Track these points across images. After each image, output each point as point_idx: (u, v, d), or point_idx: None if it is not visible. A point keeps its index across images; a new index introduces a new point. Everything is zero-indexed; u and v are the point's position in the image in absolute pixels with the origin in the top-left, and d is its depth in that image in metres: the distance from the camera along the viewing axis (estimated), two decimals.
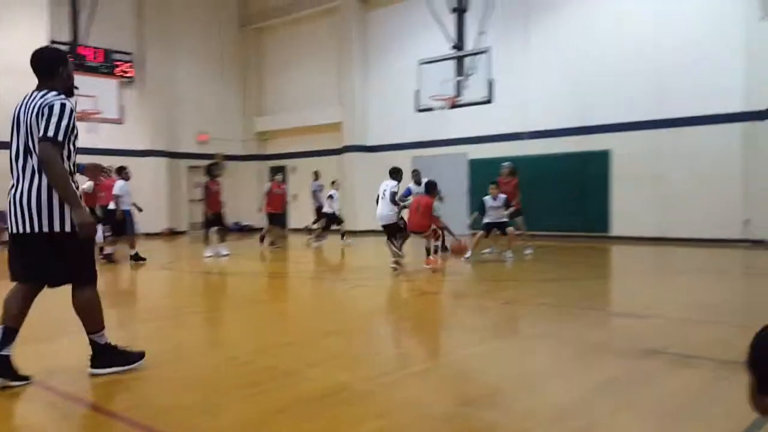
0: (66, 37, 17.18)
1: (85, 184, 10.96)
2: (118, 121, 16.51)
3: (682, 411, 3.25)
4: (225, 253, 12.19)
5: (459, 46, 14.86)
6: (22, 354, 3.81)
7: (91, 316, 3.91)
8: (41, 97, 3.72)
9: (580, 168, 15.93)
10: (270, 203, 14.34)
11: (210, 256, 12.03)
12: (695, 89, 14.18)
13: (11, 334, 3.70)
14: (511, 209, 11.38)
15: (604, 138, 15.60)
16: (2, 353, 3.66)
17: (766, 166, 13.05)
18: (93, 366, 3.95)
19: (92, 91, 15.74)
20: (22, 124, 3.73)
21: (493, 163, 17.18)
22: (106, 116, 15.76)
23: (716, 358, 4.25)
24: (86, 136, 16.08)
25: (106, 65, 19.56)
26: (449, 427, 3.02)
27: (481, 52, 14.18)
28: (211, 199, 12.43)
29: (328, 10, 21.17)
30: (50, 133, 3.58)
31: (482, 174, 17.46)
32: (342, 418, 3.14)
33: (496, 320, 6.05)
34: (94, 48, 19.08)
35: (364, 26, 20.57)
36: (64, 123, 3.62)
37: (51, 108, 3.62)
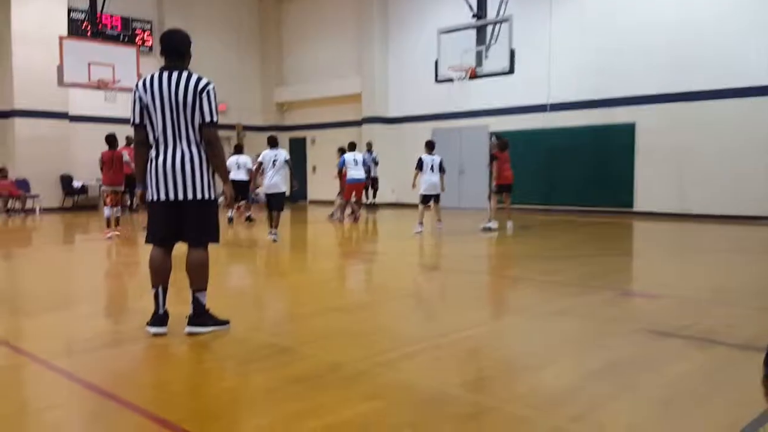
0: (84, 4, 17.10)
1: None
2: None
3: (685, 398, 3.09)
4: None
5: (480, 15, 14.47)
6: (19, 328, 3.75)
7: (202, 274, 4.27)
8: (189, 79, 4.11)
9: (604, 141, 15.56)
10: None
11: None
12: (722, 62, 13.70)
13: (165, 292, 4.24)
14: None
15: (628, 110, 15.20)
16: (162, 311, 4.22)
17: None
18: (191, 324, 4.24)
19: (111, 59, 15.68)
20: (168, 101, 4.06)
21: (515, 135, 16.90)
22: (124, 85, 15.68)
23: (728, 342, 4.07)
24: (104, 105, 16.18)
25: (125, 33, 19.50)
26: (438, 412, 2.90)
27: (503, 21, 13.80)
28: None
29: None
30: (215, 118, 4.14)
31: None
32: (329, 399, 3.05)
33: (501, 298, 5.91)
34: (113, 16, 19.01)
35: None
36: (215, 106, 4.16)
37: (209, 93, 4.11)
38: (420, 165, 11.20)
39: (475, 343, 4.18)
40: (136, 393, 3.20)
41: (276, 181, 10.04)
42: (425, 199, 11.29)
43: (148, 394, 3.23)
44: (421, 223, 11.11)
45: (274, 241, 9.93)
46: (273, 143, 10.42)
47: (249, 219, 13.43)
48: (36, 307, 5.37)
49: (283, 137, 23.40)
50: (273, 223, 10.14)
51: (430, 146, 11.44)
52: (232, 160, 13.28)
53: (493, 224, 11.68)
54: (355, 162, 13.38)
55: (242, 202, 14.04)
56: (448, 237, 10.85)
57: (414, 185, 11.57)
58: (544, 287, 6.17)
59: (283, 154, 10.16)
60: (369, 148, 16.53)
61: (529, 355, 3.92)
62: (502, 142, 11.80)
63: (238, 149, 13.96)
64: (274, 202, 10.17)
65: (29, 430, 2.84)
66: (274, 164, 10.02)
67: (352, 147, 13.95)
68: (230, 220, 12.95)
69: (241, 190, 13.25)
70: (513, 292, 6.12)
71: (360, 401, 3.03)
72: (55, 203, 17.80)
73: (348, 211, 14.23)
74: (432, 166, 11.16)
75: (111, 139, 10.92)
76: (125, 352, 3.95)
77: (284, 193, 10.24)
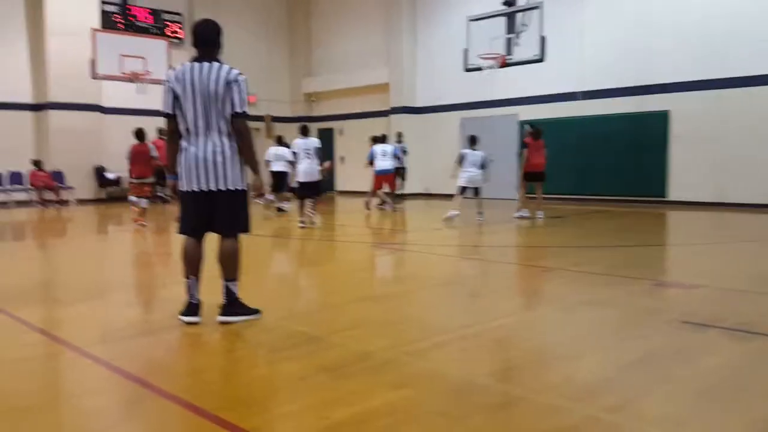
0: None
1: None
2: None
3: (722, 390, 3.03)
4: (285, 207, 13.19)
5: (510, 2, 14.29)
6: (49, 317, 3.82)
7: (234, 264, 4.31)
8: (220, 69, 4.12)
9: (637, 129, 15.28)
10: None
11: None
12: (759, 47, 13.32)
13: (198, 282, 4.30)
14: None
15: (662, 98, 14.89)
16: (195, 300, 4.28)
17: None
18: (223, 314, 4.29)
19: (142, 51, 15.90)
20: (199, 91, 4.08)
21: (546, 124, 16.65)
22: (156, 77, 15.86)
23: (766, 333, 3.97)
24: (136, 96, 16.39)
25: (156, 26, 19.71)
26: (467, 402, 2.89)
27: (533, 8, 13.62)
28: None
29: None
30: (245, 109, 4.15)
31: None
32: (358, 388, 3.05)
33: (532, 288, 5.86)
34: (144, 9, 19.23)
35: None
36: (246, 96, 4.16)
37: (239, 84, 4.12)
38: (461, 160, 11.35)
39: (505, 333, 4.15)
40: (170, 381, 3.24)
41: (310, 169, 10.36)
42: (463, 190, 11.41)
43: (182, 381, 3.27)
44: (455, 209, 11.24)
45: (305, 225, 10.37)
46: (305, 132, 10.71)
47: (280, 210, 13.53)
48: (71, 297, 5.48)
49: (312, 128, 23.43)
50: (309, 208, 10.54)
51: (473, 141, 11.55)
52: (271, 151, 13.45)
53: (525, 212, 11.67)
54: (383, 153, 13.47)
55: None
56: (479, 226, 10.78)
57: (453, 176, 11.69)
58: (577, 277, 6.10)
59: (314, 142, 10.48)
60: (399, 138, 16.47)
61: (562, 345, 3.87)
62: (535, 130, 11.79)
63: (279, 140, 14.06)
64: (309, 190, 10.44)
65: (67, 417, 2.90)
66: (308, 154, 10.35)
67: (382, 139, 14.05)
68: (279, 209, 13.45)
69: (280, 181, 13.41)
70: (545, 282, 6.06)
71: (389, 390, 3.02)
72: (90, 194, 18.14)
73: (375, 201, 14.25)
74: (474, 161, 11.28)
75: (139, 133, 11.26)
76: (159, 341, 4.01)
77: (318, 181, 10.56)
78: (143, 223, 10.83)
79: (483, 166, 11.31)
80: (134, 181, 11.08)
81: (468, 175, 11.28)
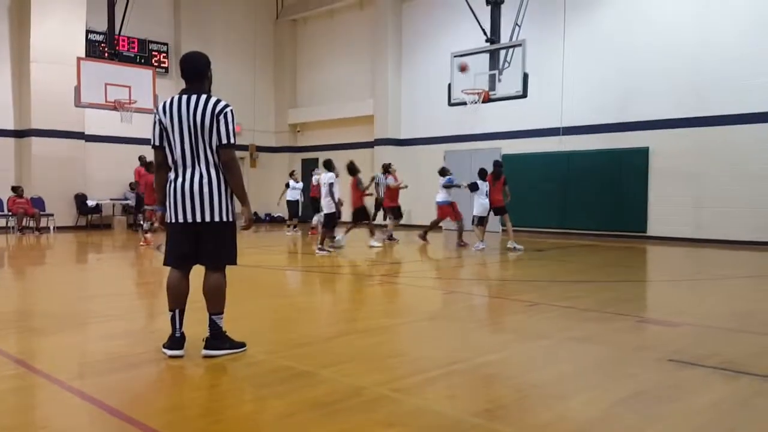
0: (102, 26, 17.35)
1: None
2: (152, 111, 16.61)
3: (713, 430, 3.02)
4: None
5: (493, 39, 14.54)
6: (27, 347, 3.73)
7: (219, 297, 4.27)
8: (207, 101, 4.10)
9: (617, 165, 15.52)
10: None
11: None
12: (738, 87, 13.67)
13: (182, 315, 4.25)
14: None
15: (642, 135, 15.18)
16: (179, 334, 4.22)
17: None
18: (207, 347, 4.23)
19: (127, 80, 15.88)
20: (186, 123, 4.07)
21: (527, 159, 16.88)
22: (141, 106, 15.85)
23: (755, 372, 3.98)
24: (120, 125, 16.34)
25: (142, 55, 19.74)
26: None
27: (516, 46, 13.87)
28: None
29: (364, 1, 21.04)
30: (232, 140, 4.13)
31: (516, 169, 17.15)
32: (349, 425, 3.00)
33: (519, 324, 5.84)
34: (130, 38, 19.27)
35: (398, 18, 20.38)
36: (233, 128, 4.13)
37: (226, 116, 4.09)
38: (475, 188, 12.38)
39: (494, 370, 4.12)
40: (152, 416, 3.16)
41: (325, 201, 11.25)
42: (481, 220, 12.44)
43: (165, 417, 3.19)
44: (482, 241, 12.20)
45: (320, 250, 11.23)
46: (327, 167, 11.10)
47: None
48: (51, 327, 5.35)
49: (296, 158, 23.48)
50: (321, 239, 11.49)
51: (483, 174, 12.59)
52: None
53: (482, 245, 12.28)
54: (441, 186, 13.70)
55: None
56: (463, 259, 10.79)
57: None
58: (562, 313, 6.10)
59: (327, 177, 10.90)
60: (384, 168, 16.39)
61: (551, 382, 3.85)
62: (495, 170, 12.61)
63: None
64: (324, 221, 11.52)
65: None
66: (329, 186, 10.98)
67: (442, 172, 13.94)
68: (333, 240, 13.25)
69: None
70: (531, 317, 6.05)
71: (380, 428, 2.97)
72: (70, 222, 17.92)
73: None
74: (483, 191, 12.44)
75: (150, 164, 12.86)
76: (142, 374, 3.93)
77: (333, 213, 11.31)
78: (145, 244, 12.40)
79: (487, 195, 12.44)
80: (147, 207, 12.73)
81: (482, 203, 12.33)
